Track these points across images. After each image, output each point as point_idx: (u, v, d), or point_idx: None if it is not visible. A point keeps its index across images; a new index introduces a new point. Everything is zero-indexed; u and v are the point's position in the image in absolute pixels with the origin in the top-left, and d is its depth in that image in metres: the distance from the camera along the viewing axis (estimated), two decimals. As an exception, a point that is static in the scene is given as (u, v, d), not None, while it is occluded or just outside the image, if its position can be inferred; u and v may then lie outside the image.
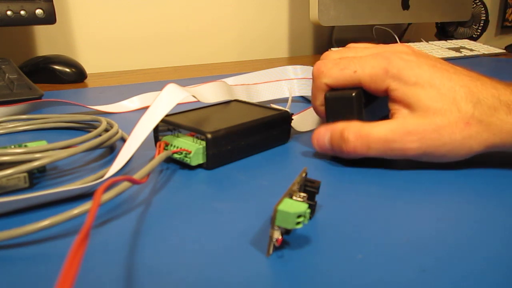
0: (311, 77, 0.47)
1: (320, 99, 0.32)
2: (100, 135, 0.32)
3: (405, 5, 1.01)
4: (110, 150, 0.33)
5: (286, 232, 0.21)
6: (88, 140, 0.29)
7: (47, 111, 0.46)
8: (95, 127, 0.37)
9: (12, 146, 0.28)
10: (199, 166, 0.29)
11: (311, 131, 0.38)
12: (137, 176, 0.24)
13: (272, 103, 0.42)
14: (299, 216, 0.18)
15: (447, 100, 0.28)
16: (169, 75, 0.74)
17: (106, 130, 0.35)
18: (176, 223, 0.22)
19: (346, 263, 0.19)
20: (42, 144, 0.28)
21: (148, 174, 0.24)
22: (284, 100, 0.49)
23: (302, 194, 0.20)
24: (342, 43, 0.99)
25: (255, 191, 0.26)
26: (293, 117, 0.35)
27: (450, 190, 0.26)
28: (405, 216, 0.23)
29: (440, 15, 1.09)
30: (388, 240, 0.21)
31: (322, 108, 0.33)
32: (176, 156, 0.29)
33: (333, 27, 1.04)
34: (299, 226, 0.19)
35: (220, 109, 0.35)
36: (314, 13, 0.87)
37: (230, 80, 0.50)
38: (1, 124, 0.38)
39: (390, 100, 0.30)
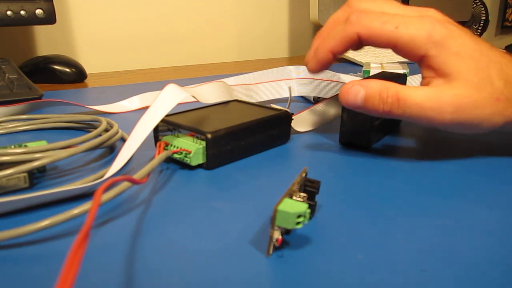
0: (310, 77, 0.47)
1: (338, 45, 0.30)
2: (100, 135, 0.32)
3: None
4: (110, 150, 0.33)
5: (286, 232, 0.21)
6: (88, 140, 0.29)
7: (47, 111, 0.46)
8: (95, 127, 0.37)
9: (12, 146, 0.28)
10: (199, 166, 0.29)
11: (311, 131, 0.38)
12: (137, 176, 0.24)
13: (272, 103, 0.42)
14: (299, 216, 0.19)
15: (483, 75, 0.28)
16: (169, 75, 0.74)
17: (106, 130, 0.35)
18: (176, 223, 0.22)
19: (346, 263, 0.19)
20: (42, 144, 0.28)
21: (148, 174, 0.24)
22: (284, 100, 0.49)
23: (302, 194, 0.20)
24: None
25: (255, 191, 0.26)
26: (293, 117, 0.35)
27: (450, 190, 0.26)
28: (405, 216, 0.23)
29: (440, 15, 1.09)
30: (388, 240, 0.21)
31: (329, 56, 0.31)
32: (176, 156, 0.29)
33: (333, 27, 1.04)
34: (299, 226, 0.19)
35: (220, 109, 0.35)
36: (314, 13, 0.87)
37: (230, 80, 0.50)
38: (1, 124, 0.38)
39: (424, 67, 0.29)
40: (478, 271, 0.18)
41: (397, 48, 0.29)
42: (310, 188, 0.22)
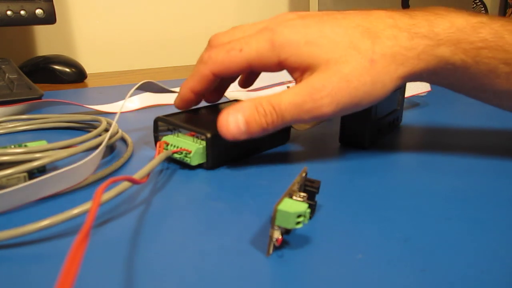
0: None
1: (197, 84, 0.30)
2: (100, 135, 0.32)
3: (405, 5, 1.01)
4: (110, 150, 0.33)
5: (286, 232, 0.21)
6: (88, 140, 0.29)
7: (47, 111, 0.46)
8: (95, 127, 0.37)
9: (12, 146, 0.28)
10: (199, 166, 0.30)
11: (311, 130, 0.38)
12: (137, 175, 0.24)
13: None
14: (299, 216, 0.19)
15: (344, 46, 0.26)
16: (169, 75, 0.74)
17: (106, 130, 0.35)
18: (176, 223, 0.22)
19: (346, 263, 0.19)
20: (42, 144, 0.28)
21: (148, 174, 0.24)
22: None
23: (302, 194, 0.20)
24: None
25: (255, 191, 0.26)
26: None
27: (450, 190, 0.26)
28: (405, 215, 0.23)
29: (440, 15, 1.09)
30: (388, 240, 0.21)
31: (190, 95, 0.31)
32: (176, 156, 0.29)
33: (333, 27, 1.04)
34: (299, 226, 0.19)
35: (220, 109, 0.35)
36: (314, 13, 0.87)
37: (231, 87, 0.49)
38: (1, 124, 0.38)
39: (289, 72, 0.28)
40: (478, 271, 0.18)
41: (253, 67, 0.28)
42: (310, 188, 0.22)
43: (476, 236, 0.21)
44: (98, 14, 0.80)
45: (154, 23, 0.86)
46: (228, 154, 0.30)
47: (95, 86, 0.63)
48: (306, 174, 0.22)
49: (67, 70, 0.65)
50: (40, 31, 0.76)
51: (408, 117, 0.43)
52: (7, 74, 0.55)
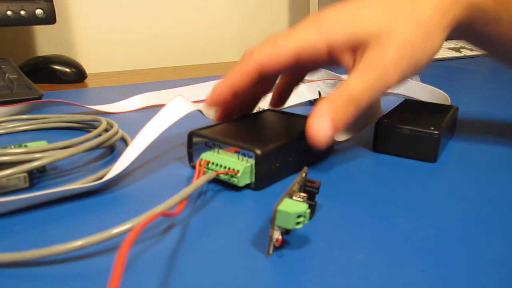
0: (325, 78, 0.47)
1: (237, 82, 0.28)
2: (100, 135, 0.32)
3: None
4: (110, 150, 0.33)
5: (286, 232, 0.21)
6: (88, 140, 0.29)
7: (47, 111, 0.46)
8: (95, 127, 0.37)
9: (12, 146, 0.28)
10: (245, 186, 0.26)
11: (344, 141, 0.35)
12: (175, 199, 0.21)
13: (284, 109, 0.42)
14: (299, 216, 0.19)
15: (388, 12, 0.27)
16: (169, 75, 0.74)
17: (106, 130, 0.35)
18: (175, 223, 0.22)
19: (346, 263, 0.19)
20: (42, 144, 0.28)
21: (184, 201, 0.22)
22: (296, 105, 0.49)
23: (302, 194, 0.20)
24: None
25: (255, 191, 0.26)
26: None
27: (450, 190, 0.26)
28: (405, 216, 0.23)
29: (440, 15, 1.08)
30: (388, 240, 0.21)
31: (226, 93, 0.29)
32: (220, 176, 0.25)
33: (333, 27, 1.04)
34: (299, 226, 0.19)
35: (253, 120, 0.32)
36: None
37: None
38: (1, 124, 0.38)
39: (337, 55, 0.28)
40: (478, 271, 0.18)
41: (301, 59, 0.27)
42: (310, 188, 0.22)
43: (476, 236, 0.21)
44: (99, 14, 0.80)
45: (154, 23, 0.86)
46: (275, 172, 0.27)
47: (95, 86, 0.63)
48: (306, 174, 0.22)
49: (67, 70, 0.65)
50: (40, 31, 0.76)
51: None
52: (7, 74, 0.55)
